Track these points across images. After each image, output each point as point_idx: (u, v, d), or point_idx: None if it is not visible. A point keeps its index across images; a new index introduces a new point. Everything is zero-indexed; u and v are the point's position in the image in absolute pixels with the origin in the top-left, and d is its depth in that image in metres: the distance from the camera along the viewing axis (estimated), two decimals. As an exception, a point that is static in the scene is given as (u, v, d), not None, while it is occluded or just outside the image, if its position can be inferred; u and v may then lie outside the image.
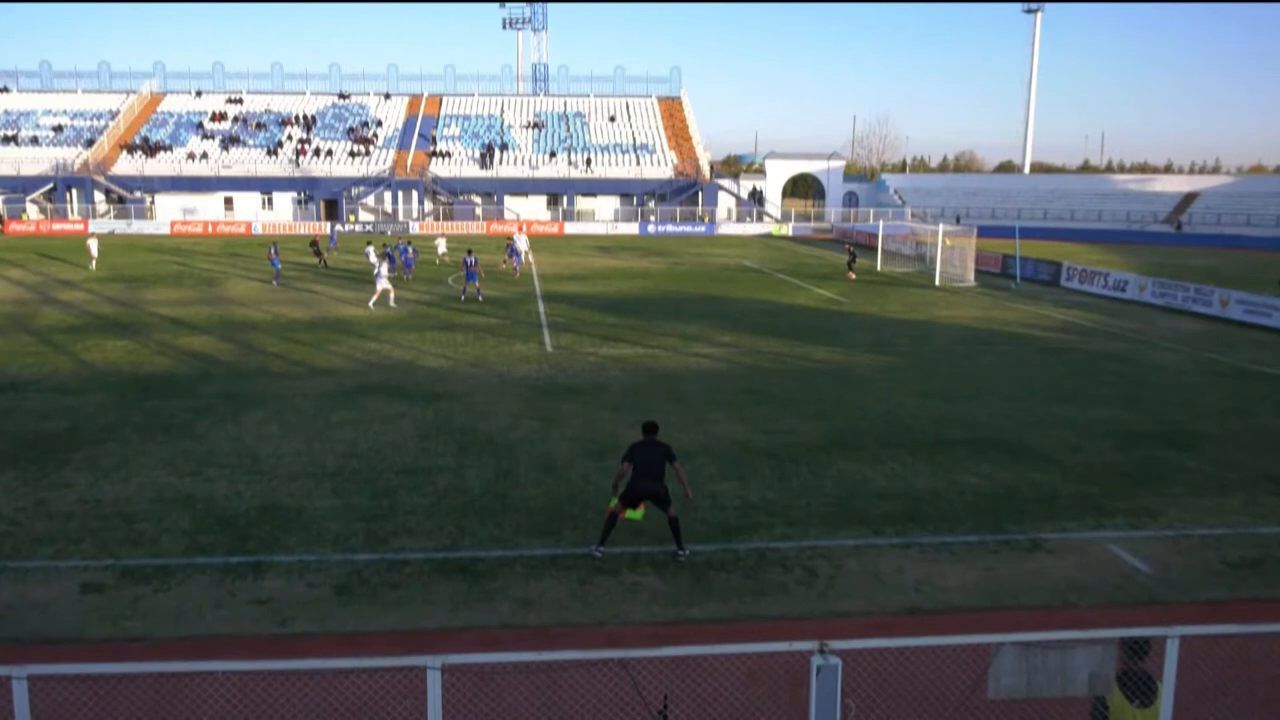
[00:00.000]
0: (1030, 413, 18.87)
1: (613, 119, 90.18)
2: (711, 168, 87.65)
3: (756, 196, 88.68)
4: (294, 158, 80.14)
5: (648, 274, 45.42)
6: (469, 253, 36.07)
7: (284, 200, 78.85)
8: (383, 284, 32.71)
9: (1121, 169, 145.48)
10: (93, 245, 44.61)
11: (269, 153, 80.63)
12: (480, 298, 34.50)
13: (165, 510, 12.80)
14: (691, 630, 9.74)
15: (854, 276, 44.20)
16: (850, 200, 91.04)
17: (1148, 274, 42.10)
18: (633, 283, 41.41)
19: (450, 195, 79.66)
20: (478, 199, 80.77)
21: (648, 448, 11.54)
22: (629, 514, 11.51)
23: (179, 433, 16.54)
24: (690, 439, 16.40)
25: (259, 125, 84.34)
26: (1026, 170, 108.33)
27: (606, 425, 17.37)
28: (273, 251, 40.80)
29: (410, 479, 14.17)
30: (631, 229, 77.32)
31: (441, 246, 50.53)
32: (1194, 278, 42.76)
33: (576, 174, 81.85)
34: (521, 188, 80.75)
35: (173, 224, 73.27)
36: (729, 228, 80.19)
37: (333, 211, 77.73)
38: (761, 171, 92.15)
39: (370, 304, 32.54)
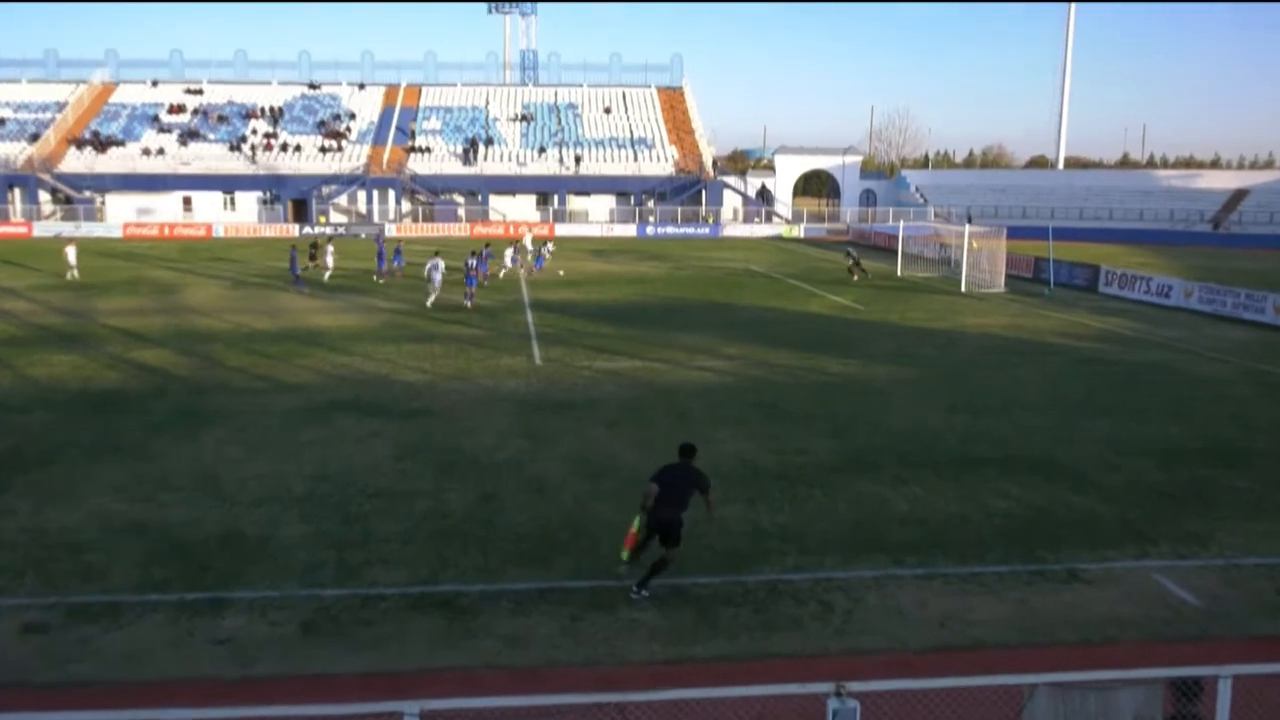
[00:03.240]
0: (1065, 429, 18.90)
1: (608, 111, 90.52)
2: (716, 164, 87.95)
3: (765, 195, 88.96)
4: (259, 154, 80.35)
5: (646, 280, 45.49)
6: (473, 254, 36.17)
7: (248, 200, 79.00)
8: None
9: (1165, 164, 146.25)
10: (70, 253, 44.30)
11: (231, 148, 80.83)
12: (469, 303, 34.71)
13: (116, 540, 12.75)
14: (695, 670, 9.71)
15: (856, 278, 45.06)
16: (867, 199, 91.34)
17: (1194, 278, 42.26)
18: (630, 289, 41.47)
19: (430, 194, 79.86)
20: (460, 198, 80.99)
21: (677, 472, 11.60)
22: (622, 553, 11.52)
23: (131, 454, 16.51)
24: (697, 459, 16.38)
25: (220, 118, 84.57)
26: (1060, 165, 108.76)
27: (601, 444, 17.38)
28: (294, 255, 41.31)
29: (385, 504, 14.15)
30: (628, 231, 77.58)
31: (533, 243, 51.53)
32: (1245, 282, 42.70)
33: (568, 171, 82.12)
34: (508, 186, 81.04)
35: (125, 226, 73.38)
36: (735, 229, 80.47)
37: (302, 213, 77.83)
38: (770, 168, 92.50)
39: (428, 303, 34.58)
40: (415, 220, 78.02)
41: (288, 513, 13.79)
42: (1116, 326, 32.79)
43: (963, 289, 42.74)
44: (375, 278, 43.01)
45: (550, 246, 51.45)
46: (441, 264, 36.02)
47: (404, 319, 32.33)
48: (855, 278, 45.28)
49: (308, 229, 73.08)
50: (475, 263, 36.56)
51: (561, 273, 47.47)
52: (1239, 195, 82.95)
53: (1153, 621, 10.90)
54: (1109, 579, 11.94)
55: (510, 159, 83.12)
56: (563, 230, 77.20)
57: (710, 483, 11.73)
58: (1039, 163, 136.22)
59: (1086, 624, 10.82)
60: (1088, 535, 13.32)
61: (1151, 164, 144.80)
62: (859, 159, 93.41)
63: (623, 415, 19.55)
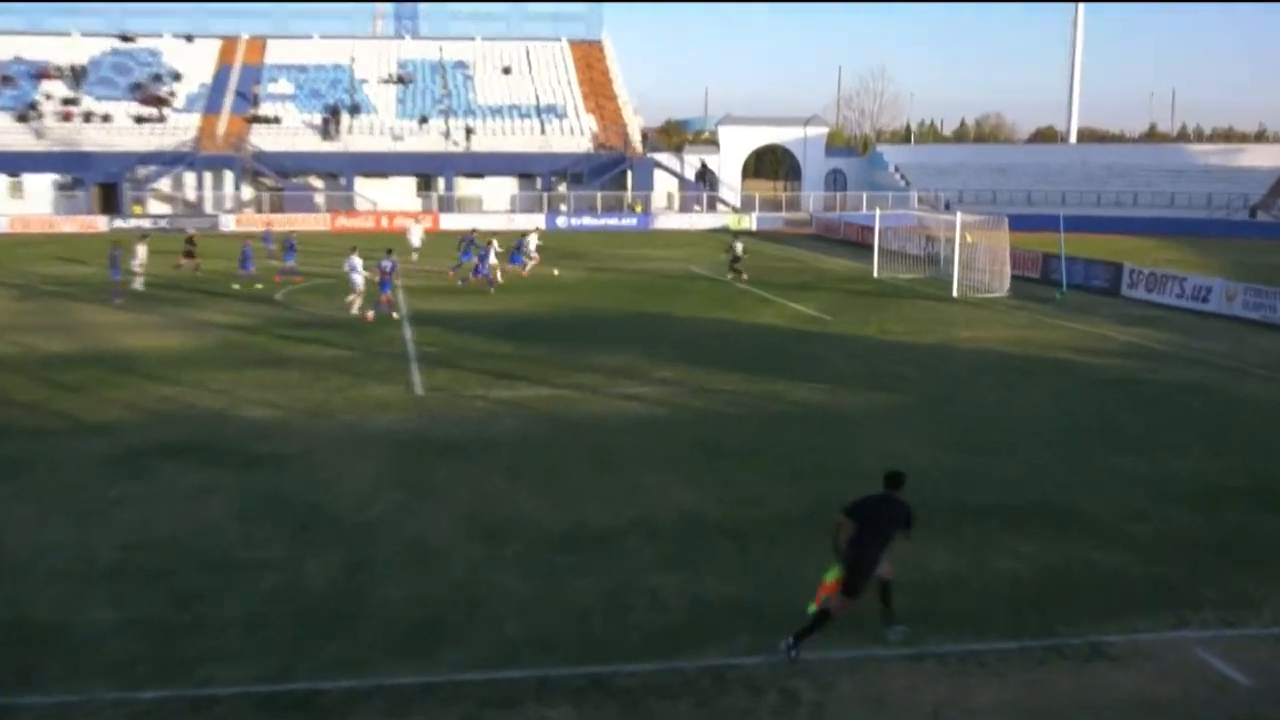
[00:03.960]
0: (1083, 467, 19.10)
1: (507, 71, 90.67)
2: (645, 138, 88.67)
3: (707, 177, 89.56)
4: (55, 125, 78.89)
5: (557, 285, 45.44)
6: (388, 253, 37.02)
7: (40, 186, 77.46)
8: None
9: (1199, 136, 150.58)
10: None
11: (18, 118, 79.31)
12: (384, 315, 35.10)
13: None
14: (623, 784, 9.67)
15: (745, 277, 46.27)
16: (835, 181, 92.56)
17: (1237, 278, 42.65)
18: (536, 297, 41.39)
19: (279, 177, 79.20)
20: (318, 182, 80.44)
21: (883, 506, 11.95)
22: (810, 606, 11.77)
23: (-116, 519, 16.08)
24: (619, 513, 16.44)
25: (5, 79, 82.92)
26: (1073, 139, 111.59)
27: (501, 497, 17.34)
28: (115, 256, 39.78)
29: (223, 579, 13.95)
30: (534, 222, 77.14)
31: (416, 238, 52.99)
32: (1298, 282, 43.64)
33: (457, 148, 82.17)
34: (380, 165, 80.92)
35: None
36: (669, 220, 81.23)
37: (111, 201, 76.47)
38: (714, 143, 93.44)
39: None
40: (259, 210, 77.17)
41: (94, 592, 13.51)
42: (1144, 338, 33.38)
43: (955, 293, 43.13)
44: (234, 284, 42.70)
45: (535, 240, 50.11)
46: (359, 262, 36.50)
47: (245, 337, 31.98)
48: (730, 277, 46.53)
49: (118, 222, 71.78)
50: (390, 266, 36.33)
51: (556, 272, 48.77)
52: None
53: (1193, 704, 11.00)
54: (1139, 654, 12.07)
55: (382, 131, 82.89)
56: (450, 221, 76.64)
57: (913, 519, 12.06)
58: (1046, 136, 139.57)
59: (1112, 709, 10.90)
60: (1112, 600, 13.47)
61: (1184, 137, 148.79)
62: (824, 131, 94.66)
63: (527, 459, 19.50)
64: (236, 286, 42.39)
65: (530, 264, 47.93)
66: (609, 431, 21.49)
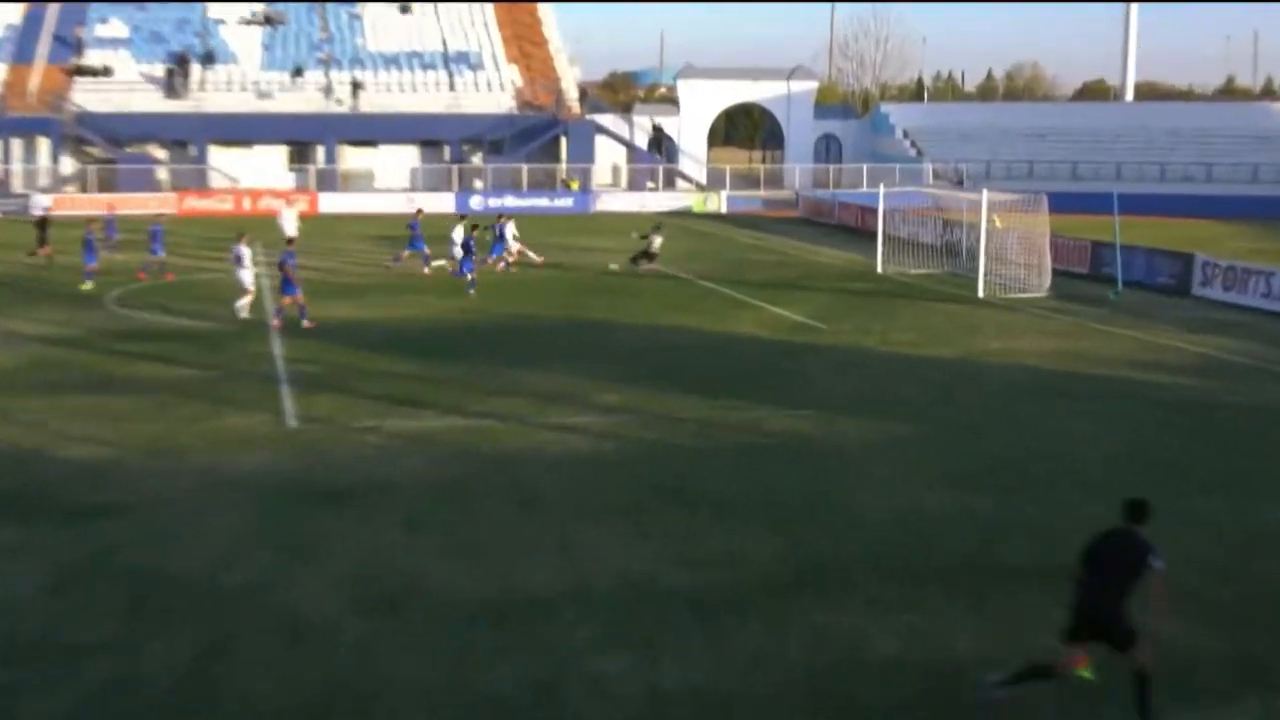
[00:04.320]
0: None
1: (406, 9, 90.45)
2: (583, 95, 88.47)
3: (662, 144, 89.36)
4: None
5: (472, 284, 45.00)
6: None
7: None
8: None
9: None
10: None
11: None
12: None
13: None
14: None
15: (656, 266, 47.59)
16: (827, 149, 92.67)
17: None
18: (444, 302, 41.32)
19: (110, 145, 78.39)
20: (161, 152, 79.81)
21: (1117, 544, 12.16)
22: (1079, 671, 12.03)
23: None
24: (552, 578, 16.43)
25: None
26: (1129, 95, 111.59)
27: (400, 557, 17.22)
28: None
29: (35, 669, 13.72)
30: (442, 202, 76.68)
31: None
32: None
33: (341, 107, 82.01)
34: (242, 130, 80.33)
35: None
36: (615, 199, 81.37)
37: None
38: (672, 100, 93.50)
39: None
40: (84, 188, 76.42)
41: None
42: (1222, 350, 33.51)
43: (980, 293, 43.30)
44: (84, 284, 42.58)
45: (509, 228, 50.44)
46: (247, 252, 37.23)
47: (66, 353, 31.70)
48: (634, 262, 47.88)
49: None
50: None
51: (540, 259, 49.98)
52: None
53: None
54: (1219, 753, 12.10)
55: (245, 87, 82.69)
56: (333, 203, 76.68)
57: (1162, 562, 11.93)
58: (1096, 92, 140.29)
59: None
60: (1186, 683, 13.34)
61: (1270, 93, 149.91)
62: (812, 86, 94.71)
63: (433, 508, 19.45)
64: (87, 287, 42.10)
65: (513, 257, 49.04)
66: (539, 473, 21.42)
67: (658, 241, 48.54)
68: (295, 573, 16.64)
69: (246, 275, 36.55)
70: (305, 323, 35.13)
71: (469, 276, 42.22)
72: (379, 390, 27.79)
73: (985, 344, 34.27)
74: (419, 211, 51.59)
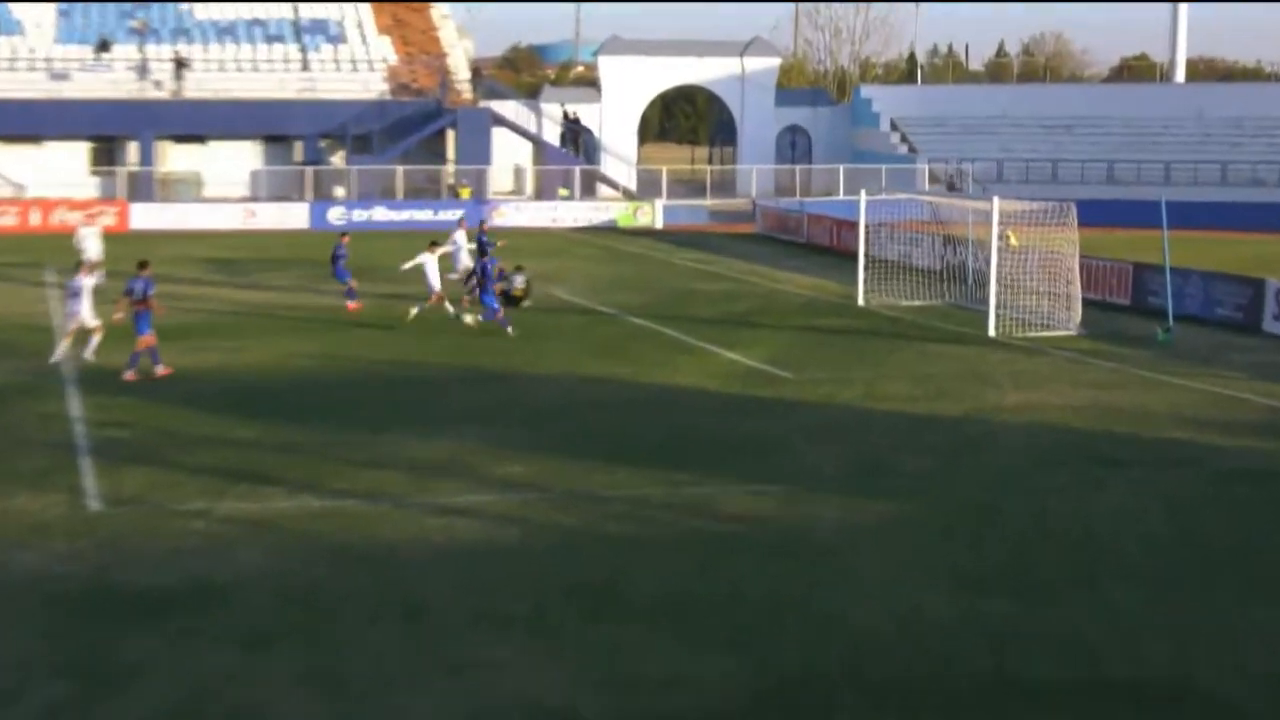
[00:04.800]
0: (1204, 619, 17.68)
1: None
2: (478, 75, 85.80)
3: (577, 139, 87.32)
4: None
5: (330, 322, 43.28)
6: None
7: None
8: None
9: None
10: None
11: None
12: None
13: None
14: None
15: (527, 302, 44.75)
16: (794, 147, 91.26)
17: None
18: (296, 344, 38.92)
19: None
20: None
21: None
22: None
23: None
24: (439, 711, 14.94)
25: None
26: (1179, 75, 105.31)
27: (234, 687, 15.44)
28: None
29: None
30: (294, 215, 73.53)
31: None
32: None
33: (160, 93, 78.02)
34: (33, 122, 75.46)
35: None
36: (519, 211, 76.85)
37: None
38: (592, 82, 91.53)
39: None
40: None
41: None
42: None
43: (991, 331, 40.98)
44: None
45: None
46: (88, 284, 34.68)
47: None
48: (526, 301, 44.96)
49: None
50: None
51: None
52: None
53: None
54: None
55: (34, 66, 78.61)
56: (148, 216, 71.11)
57: None
58: (1137, 71, 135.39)
59: None
60: None
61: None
62: (774, 64, 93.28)
63: (282, 620, 17.66)
64: None
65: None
66: (420, 571, 19.63)
67: (520, 281, 45.82)
68: (95, 710, 14.95)
69: (76, 306, 34.28)
70: (128, 374, 32.69)
71: (499, 313, 39.02)
72: (210, 462, 25.61)
73: (999, 398, 32.27)
74: (344, 234, 47.59)
